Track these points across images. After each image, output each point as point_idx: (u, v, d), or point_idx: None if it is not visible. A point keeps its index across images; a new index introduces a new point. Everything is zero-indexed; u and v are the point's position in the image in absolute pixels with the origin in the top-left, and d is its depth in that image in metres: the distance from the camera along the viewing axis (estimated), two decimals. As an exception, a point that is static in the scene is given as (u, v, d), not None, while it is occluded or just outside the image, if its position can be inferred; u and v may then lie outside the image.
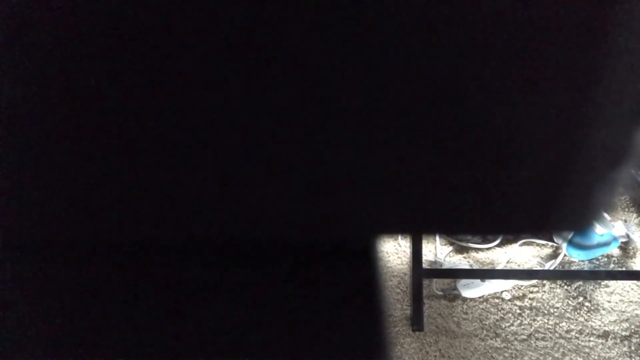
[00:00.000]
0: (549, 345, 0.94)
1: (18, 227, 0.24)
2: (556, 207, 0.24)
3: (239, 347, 0.27)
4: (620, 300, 1.00)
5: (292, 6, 0.18)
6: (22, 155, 0.22)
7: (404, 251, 1.07)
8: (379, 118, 0.21)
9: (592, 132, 0.22)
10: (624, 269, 1.06)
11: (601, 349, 0.93)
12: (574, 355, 0.93)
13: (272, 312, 0.28)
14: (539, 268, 1.05)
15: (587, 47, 0.19)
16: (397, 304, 0.99)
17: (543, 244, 1.09)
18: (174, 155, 0.22)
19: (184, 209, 0.24)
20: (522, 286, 1.01)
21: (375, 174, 0.23)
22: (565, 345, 0.94)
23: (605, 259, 1.07)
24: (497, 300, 1.00)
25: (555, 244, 1.08)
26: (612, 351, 0.93)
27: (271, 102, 0.20)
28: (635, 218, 1.13)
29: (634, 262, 1.07)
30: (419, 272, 0.97)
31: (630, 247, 1.08)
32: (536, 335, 0.95)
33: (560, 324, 0.96)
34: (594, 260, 1.06)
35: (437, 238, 1.08)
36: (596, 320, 0.97)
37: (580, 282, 1.02)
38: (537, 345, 0.94)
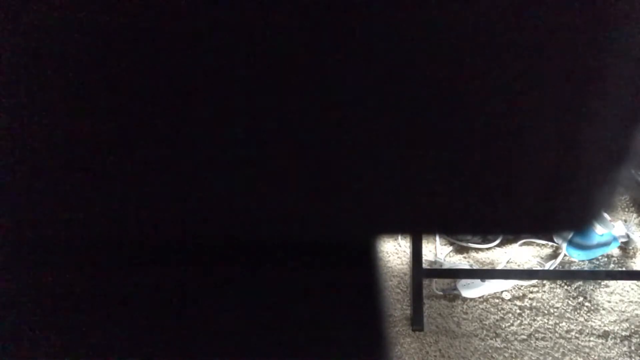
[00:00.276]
0: (549, 345, 0.94)
1: (18, 227, 0.24)
2: (556, 207, 0.24)
3: (239, 347, 0.27)
4: (620, 300, 1.00)
5: (292, 6, 0.18)
6: (22, 155, 0.22)
7: (404, 251, 1.07)
8: (379, 118, 0.21)
9: (592, 132, 0.22)
10: (624, 269, 1.06)
11: (601, 349, 0.93)
12: (574, 355, 0.93)
13: (272, 312, 0.28)
14: (539, 268, 1.05)
15: (587, 47, 0.19)
16: (397, 304, 0.99)
17: (543, 244, 1.09)
18: (174, 155, 0.22)
19: (184, 209, 0.24)
20: (522, 286, 1.01)
21: (375, 174, 0.23)
22: (565, 345, 0.94)
23: (605, 259, 1.07)
24: (497, 300, 1.00)
25: (555, 244, 1.08)
26: (612, 351, 0.93)
27: (271, 102, 0.20)
28: (635, 218, 1.13)
29: (634, 262, 1.07)
30: (419, 272, 0.97)
31: (630, 247, 1.08)
32: (536, 335, 0.95)
33: (560, 324, 0.96)
34: (594, 260, 1.06)
35: (437, 238, 1.09)
36: (596, 320, 0.97)
37: (580, 282, 1.02)
38: (537, 345, 0.94)
